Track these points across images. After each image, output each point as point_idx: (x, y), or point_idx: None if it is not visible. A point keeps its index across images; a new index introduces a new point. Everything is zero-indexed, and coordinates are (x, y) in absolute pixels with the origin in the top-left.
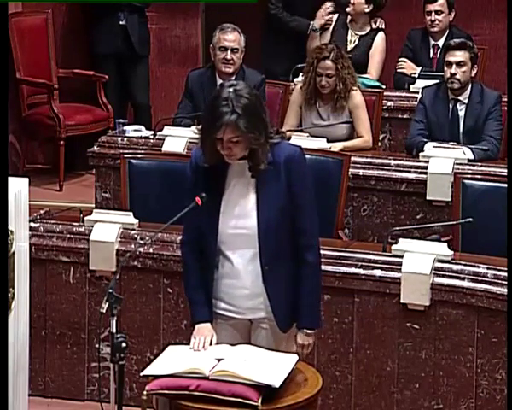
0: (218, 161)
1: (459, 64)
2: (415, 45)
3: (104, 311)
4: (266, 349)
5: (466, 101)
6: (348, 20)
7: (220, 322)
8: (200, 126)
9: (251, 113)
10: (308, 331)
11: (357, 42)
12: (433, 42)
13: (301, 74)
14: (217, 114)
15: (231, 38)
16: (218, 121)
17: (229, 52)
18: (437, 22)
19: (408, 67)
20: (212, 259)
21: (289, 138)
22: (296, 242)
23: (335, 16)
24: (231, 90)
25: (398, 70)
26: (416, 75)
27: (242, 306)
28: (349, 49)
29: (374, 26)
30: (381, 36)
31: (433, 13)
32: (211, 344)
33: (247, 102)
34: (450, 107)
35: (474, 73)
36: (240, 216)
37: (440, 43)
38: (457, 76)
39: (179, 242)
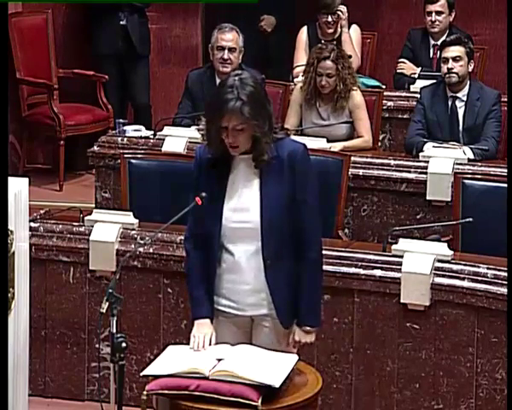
0: (223, 151)
1: (455, 59)
2: (415, 45)
3: (104, 311)
4: (267, 349)
5: (465, 98)
6: (319, 33)
7: (221, 319)
8: (203, 121)
9: (255, 100)
10: (309, 329)
11: (334, 44)
12: (433, 42)
13: (301, 74)
14: (222, 101)
15: (229, 37)
16: (223, 108)
17: (226, 51)
18: (437, 23)
19: (407, 67)
20: (214, 253)
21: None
22: (298, 238)
23: (304, 29)
24: (236, 78)
25: (398, 71)
26: (416, 75)
27: (244, 302)
28: None
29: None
30: (353, 29)
31: (434, 13)
32: (210, 343)
33: (252, 90)
34: (449, 104)
35: (470, 68)
36: (243, 210)
37: (440, 43)
38: (455, 70)
39: (182, 238)
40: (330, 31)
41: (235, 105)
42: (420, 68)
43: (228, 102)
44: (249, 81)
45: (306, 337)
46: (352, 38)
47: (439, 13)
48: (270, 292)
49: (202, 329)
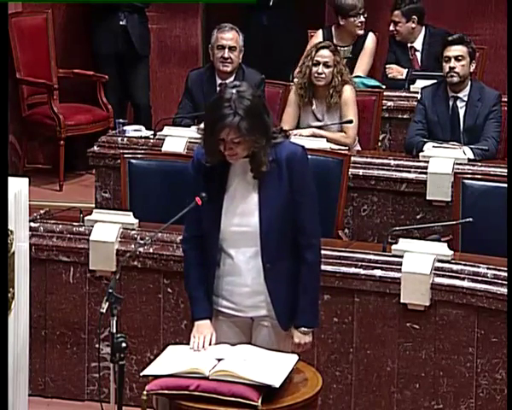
0: (220, 160)
1: (457, 58)
2: (396, 50)
3: (104, 311)
4: (267, 349)
5: (466, 98)
6: (334, 35)
7: (221, 319)
8: (202, 126)
9: (253, 115)
10: (305, 330)
11: (351, 49)
12: (409, 44)
13: (298, 68)
14: (219, 116)
15: (229, 36)
16: (220, 123)
17: (226, 50)
18: (395, 32)
19: (396, 70)
20: (213, 256)
21: None
22: (297, 240)
23: (319, 33)
24: (234, 91)
25: (390, 76)
26: (404, 76)
27: (243, 303)
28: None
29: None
30: (371, 37)
31: (392, 23)
32: (210, 343)
33: (250, 104)
34: (450, 104)
35: (472, 68)
36: (242, 214)
37: (416, 44)
38: (456, 69)
39: (181, 238)
40: (361, 32)
41: (233, 121)
42: (406, 70)
43: (225, 118)
44: (247, 94)
45: (305, 338)
46: (369, 46)
47: (395, 23)
48: (270, 295)
49: (202, 329)
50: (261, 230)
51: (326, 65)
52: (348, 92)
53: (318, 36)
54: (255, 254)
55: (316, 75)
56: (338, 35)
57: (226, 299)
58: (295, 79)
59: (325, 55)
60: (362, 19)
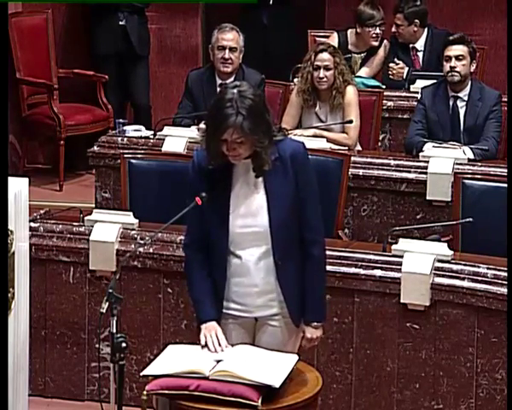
0: (223, 161)
1: (458, 58)
2: (397, 50)
3: (104, 311)
4: (271, 349)
5: (466, 98)
6: (349, 40)
7: (230, 321)
8: (202, 127)
9: (255, 114)
10: (316, 324)
11: (364, 56)
12: (411, 45)
13: (299, 73)
14: (221, 116)
15: (229, 37)
16: (223, 123)
17: (227, 51)
18: (397, 34)
19: (397, 68)
20: (221, 259)
21: None
22: (302, 236)
23: (335, 36)
24: (235, 91)
25: (390, 76)
26: (404, 76)
27: (252, 304)
28: (356, 70)
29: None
30: (385, 44)
31: (394, 25)
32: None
33: (252, 103)
34: (451, 104)
35: (473, 68)
36: (250, 214)
37: (418, 45)
38: (457, 69)
39: (182, 243)
40: (376, 43)
41: (236, 121)
42: (407, 68)
43: (228, 118)
44: (248, 94)
45: (316, 332)
46: (381, 53)
47: (398, 26)
48: (282, 292)
49: (210, 328)
50: (271, 228)
51: (326, 68)
52: (351, 94)
53: (334, 39)
54: (264, 254)
55: (318, 80)
56: (354, 41)
57: (235, 301)
58: (295, 79)
59: (324, 58)
60: (378, 31)
